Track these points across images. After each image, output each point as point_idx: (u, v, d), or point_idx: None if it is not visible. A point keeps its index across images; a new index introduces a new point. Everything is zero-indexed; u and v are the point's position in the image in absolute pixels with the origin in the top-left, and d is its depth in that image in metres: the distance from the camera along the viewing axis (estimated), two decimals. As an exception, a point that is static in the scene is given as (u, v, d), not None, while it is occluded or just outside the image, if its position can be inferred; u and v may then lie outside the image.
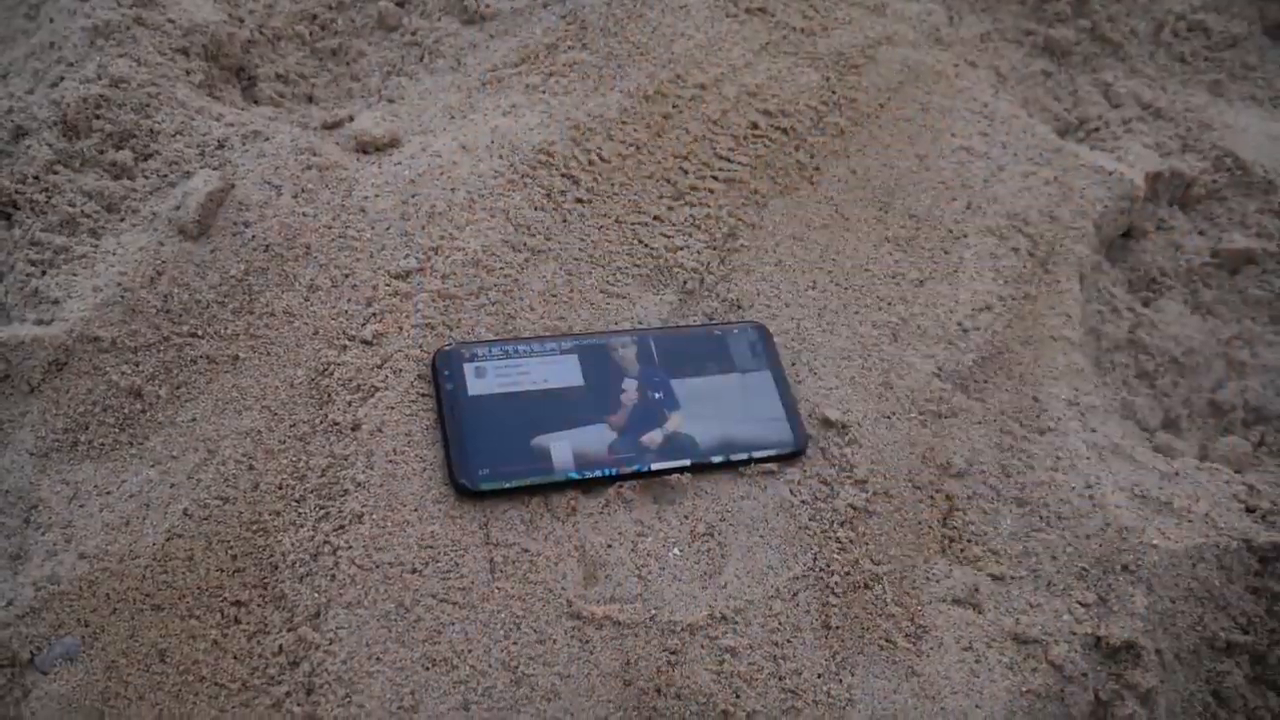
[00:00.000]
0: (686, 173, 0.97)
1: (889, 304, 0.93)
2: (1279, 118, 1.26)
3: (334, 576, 0.68)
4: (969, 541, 0.81)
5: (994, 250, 0.99)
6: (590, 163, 0.95)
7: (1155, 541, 0.81)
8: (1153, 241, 1.12)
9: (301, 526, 0.70)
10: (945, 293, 0.95)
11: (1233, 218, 1.15)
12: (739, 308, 0.90)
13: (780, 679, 0.71)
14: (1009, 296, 0.96)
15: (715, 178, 0.97)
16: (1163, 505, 0.84)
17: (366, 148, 0.93)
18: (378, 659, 0.66)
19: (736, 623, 0.72)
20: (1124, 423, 0.95)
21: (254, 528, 0.70)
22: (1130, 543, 0.81)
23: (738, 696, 0.69)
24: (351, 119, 0.97)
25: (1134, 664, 0.76)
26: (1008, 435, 0.87)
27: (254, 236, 0.81)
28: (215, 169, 0.85)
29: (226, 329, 0.78)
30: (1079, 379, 0.92)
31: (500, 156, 0.93)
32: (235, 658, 0.66)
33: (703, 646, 0.71)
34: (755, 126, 1.02)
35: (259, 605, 0.68)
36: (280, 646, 0.66)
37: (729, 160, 0.99)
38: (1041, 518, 0.82)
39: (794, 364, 0.87)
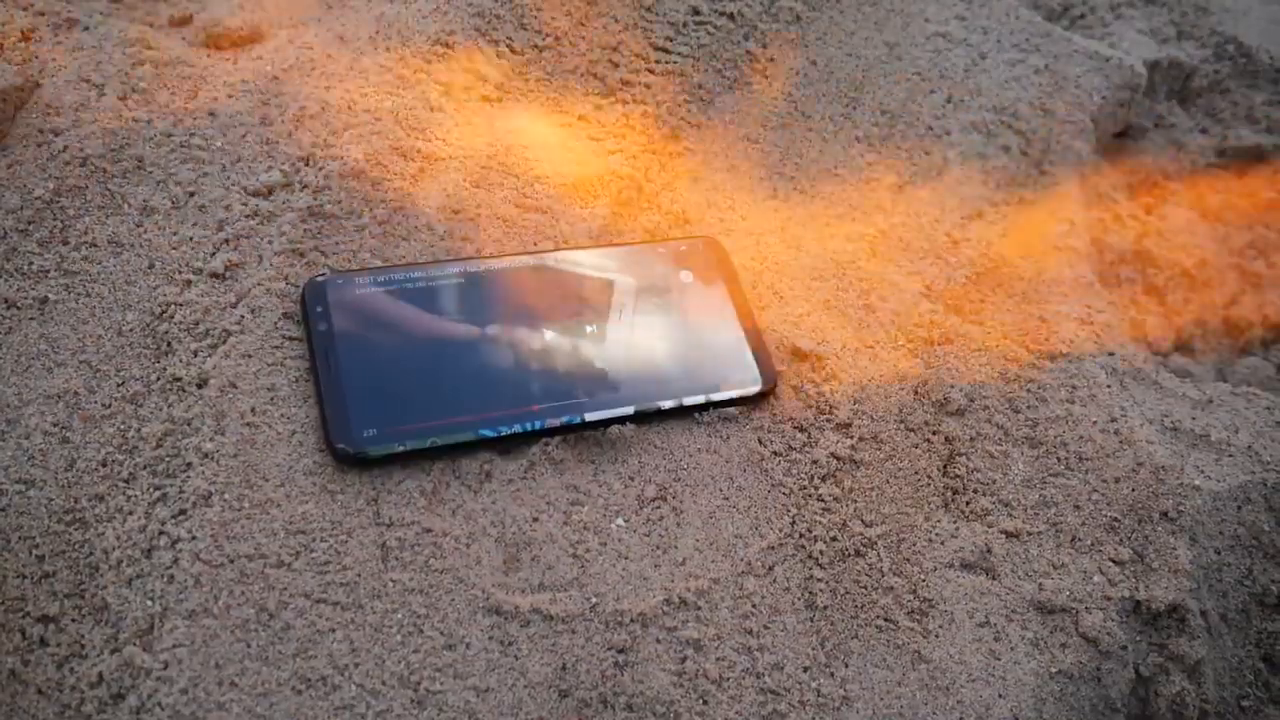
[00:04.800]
0: (617, 65, 0.81)
1: (864, 213, 0.79)
2: None
3: (172, 578, 0.54)
4: (975, 492, 0.67)
5: (981, 149, 0.86)
6: (499, 55, 0.79)
7: (1196, 482, 0.68)
8: (1152, 140, 0.99)
9: (131, 514, 0.56)
10: (928, 199, 0.82)
11: (1238, 112, 1.03)
12: (685, 221, 0.75)
13: (758, 676, 0.57)
14: (1002, 202, 0.83)
15: (651, 71, 0.82)
16: (1199, 438, 0.72)
17: (220, 42, 0.76)
18: (232, 684, 0.51)
19: (700, 608, 0.59)
20: (1135, 345, 0.82)
21: (68, 518, 0.55)
22: (1168, 485, 0.67)
23: (705, 702, 0.56)
24: (204, 11, 0.79)
25: (1179, 631, 0.64)
26: (1013, 363, 0.74)
27: (66, 148, 0.67)
28: (15, 65, 0.67)
29: (31, 265, 0.63)
30: (1089, 294, 0.79)
31: (387, 49, 0.76)
32: (40, 692, 0.51)
33: (658, 641, 0.57)
34: (696, 12, 0.86)
35: (73, 620, 0.53)
36: (100, 675, 0.51)
37: (666, 51, 0.84)
38: (1060, 459, 0.69)
39: (755, 286, 0.73)
